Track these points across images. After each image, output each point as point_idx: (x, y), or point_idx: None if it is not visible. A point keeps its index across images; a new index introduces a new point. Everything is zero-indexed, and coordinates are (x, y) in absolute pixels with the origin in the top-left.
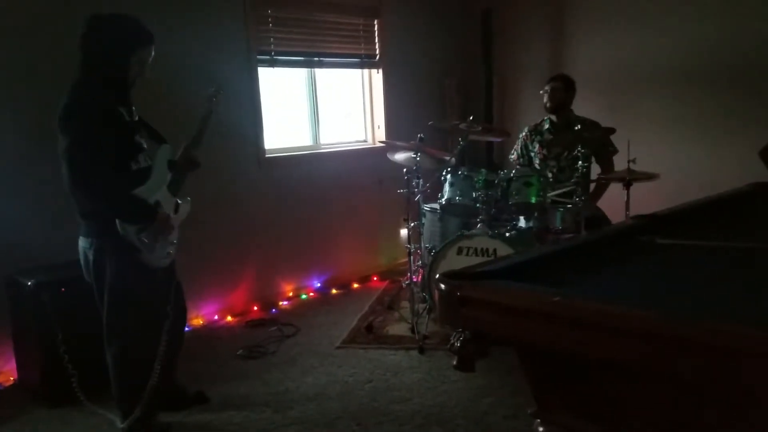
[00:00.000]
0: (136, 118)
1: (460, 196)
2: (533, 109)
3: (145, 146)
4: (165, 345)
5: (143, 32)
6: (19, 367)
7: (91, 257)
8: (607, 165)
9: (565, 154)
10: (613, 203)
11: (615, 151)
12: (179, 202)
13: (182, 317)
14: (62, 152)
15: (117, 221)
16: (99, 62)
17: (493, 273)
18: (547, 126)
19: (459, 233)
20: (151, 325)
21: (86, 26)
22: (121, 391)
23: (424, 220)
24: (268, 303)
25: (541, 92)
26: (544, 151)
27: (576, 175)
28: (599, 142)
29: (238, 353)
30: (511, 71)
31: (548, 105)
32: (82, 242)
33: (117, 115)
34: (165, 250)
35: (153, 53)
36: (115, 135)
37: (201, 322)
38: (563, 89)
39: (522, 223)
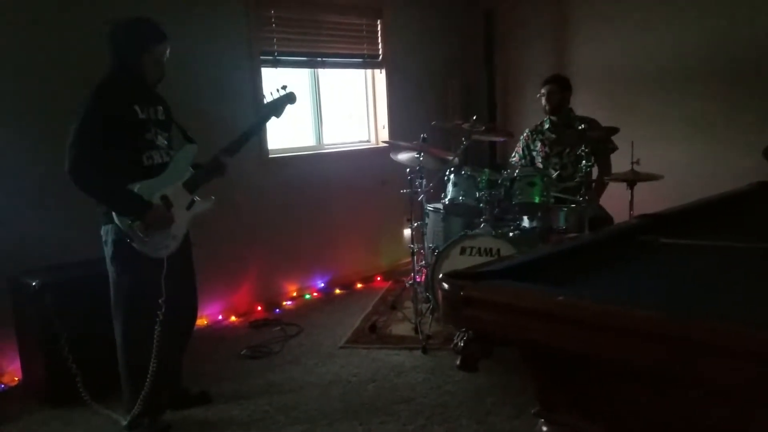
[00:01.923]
0: (162, 117)
1: (463, 196)
2: (536, 109)
3: (160, 143)
4: (159, 336)
5: (155, 31)
6: (24, 367)
7: (103, 242)
8: (604, 162)
9: (567, 151)
10: (616, 203)
11: (614, 148)
12: (196, 199)
13: (192, 316)
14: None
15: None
16: (116, 62)
17: (497, 273)
18: (547, 126)
19: (462, 233)
20: (146, 314)
21: (107, 35)
22: (125, 376)
23: (427, 220)
24: (272, 303)
25: (538, 96)
26: (547, 149)
27: (579, 174)
28: (601, 140)
29: (241, 353)
30: (513, 71)
31: (547, 108)
32: (101, 230)
33: (129, 112)
34: (162, 242)
35: (168, 51)
36: (123, 131)
37: (205, 322)
38: (559, 91)
39: (525, 222)
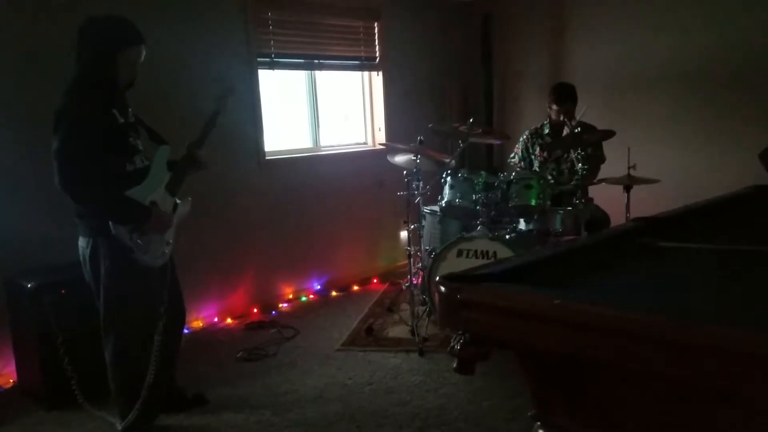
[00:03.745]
0: (132, 120)
1: (460, 199)
2: (533, 111)
3: (141, 147)
4: (159, 345)
5: (131, 32)
6: (19, 369)
7: (87, 256)
8: (591, 171)
9: (565, 156)
10: (613, 205)
11: (602, 158)
12: (178, 202)
13: (181, 319)
14: (53, 153)
15: (109, 222)
16: (89, 63)
17: (494, 275)
18: (547, 130)
19: (459, 236)
20: (145, 325)
21: (79, 28)
22: (118, 390)
23: (424, 223)
24: (268, 305)
25: (548, 110)
26: (545, 154)
27: (576, 177)
28: (593, 144)
29: (237, 355)
30: (510, 74)
31: (561, 119)
32: (80, 241)
33: (109, 116)
34: (160, 249)
35: (143, 54)
36: (108, 137)
37: (201, 325)
38: (574, 107)
39: (522, 225)
